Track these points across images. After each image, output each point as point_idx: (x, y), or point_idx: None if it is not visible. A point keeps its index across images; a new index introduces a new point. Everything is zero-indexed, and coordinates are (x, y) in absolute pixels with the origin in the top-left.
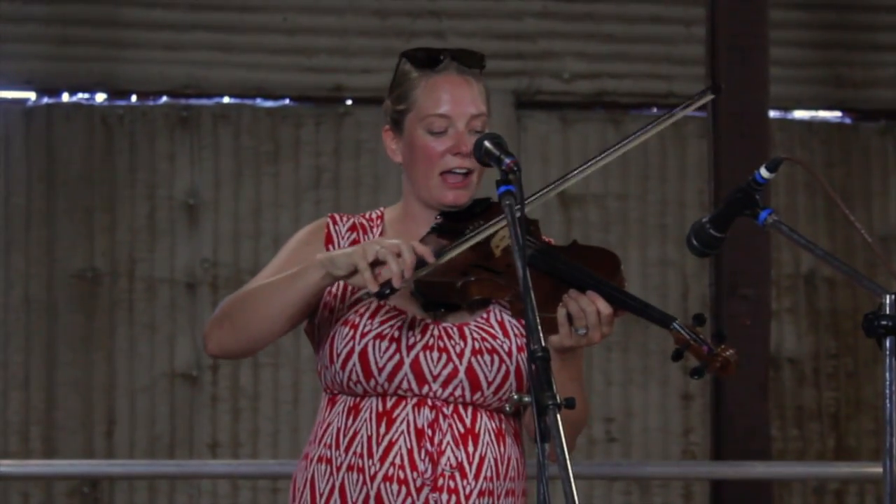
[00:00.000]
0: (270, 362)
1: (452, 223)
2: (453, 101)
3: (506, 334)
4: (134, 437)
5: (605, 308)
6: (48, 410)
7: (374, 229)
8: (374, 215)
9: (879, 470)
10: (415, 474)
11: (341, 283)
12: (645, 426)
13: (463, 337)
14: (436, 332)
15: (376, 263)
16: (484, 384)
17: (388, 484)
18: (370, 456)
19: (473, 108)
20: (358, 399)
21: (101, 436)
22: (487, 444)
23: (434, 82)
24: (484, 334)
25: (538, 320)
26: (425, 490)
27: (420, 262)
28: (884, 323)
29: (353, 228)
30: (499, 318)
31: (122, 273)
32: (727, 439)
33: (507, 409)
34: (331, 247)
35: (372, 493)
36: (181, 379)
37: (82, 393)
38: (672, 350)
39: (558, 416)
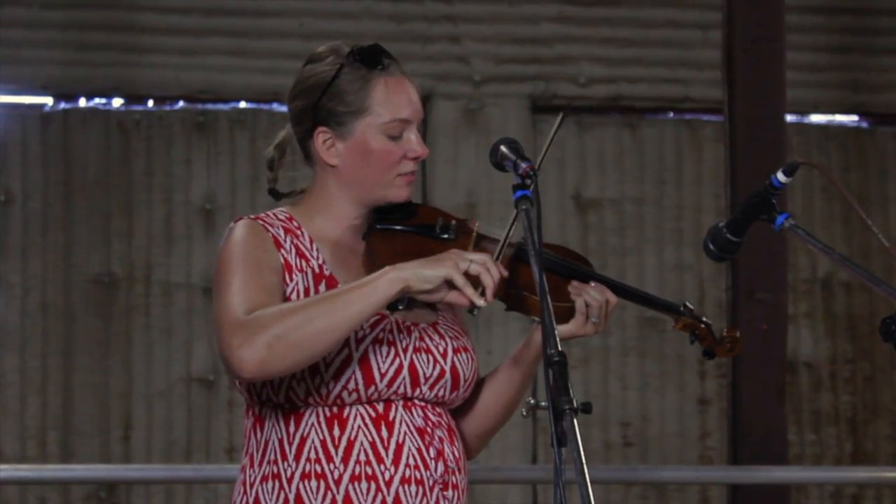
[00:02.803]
0: None
1: (390, 221)
2: (410, 103)
3: (464, 332)
4: (151, 442)
5: (612, 298)
6: (65, 415)
7: (300, 232)
8: (283, 216)
9: None
10: (428, 473)
11: (303, 288)
12: (662, 431)
13: (441, 336)
14: (417, 334)
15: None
16: (462, 382)
17: (406, 486)
18: (380, 462)
19: (421, 107)
20: (338, 408)
21: (118, 440)
22: (460, 439)
23: (388, 85)
24: (454, 332)
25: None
26: (436, 488)
27: None
28: None
29: (287, 231)
30: (452, 316)
31: (138, 278)
32: (744, 444)
33: (524, 413)
34: (283, 251)
35: (389, 499)
36: (198, 383)
37: (99, 397)
38: (687, 337)
39: (575, 421)
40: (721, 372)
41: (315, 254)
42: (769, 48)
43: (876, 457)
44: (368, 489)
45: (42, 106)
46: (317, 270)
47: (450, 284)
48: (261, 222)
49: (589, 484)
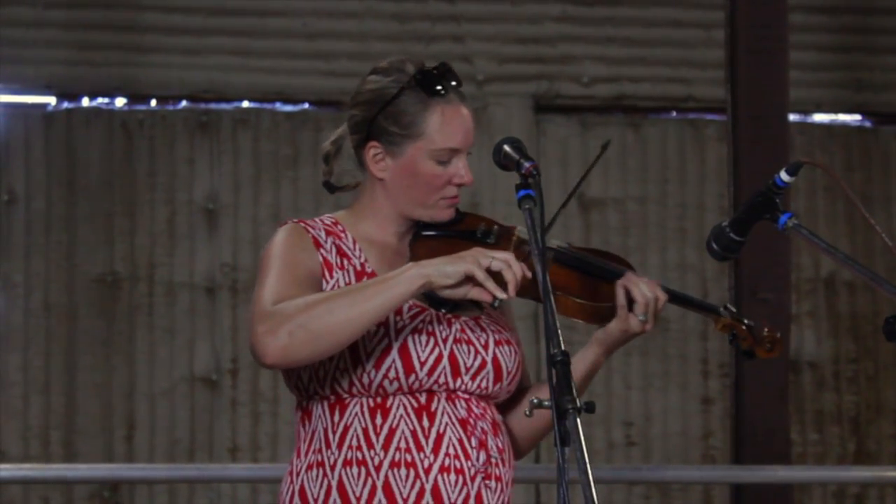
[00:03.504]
0: None
1: (436, 227)
2: (463, 133)
3: (507, 328)
4: (154, 441)
5: (661, 295)
6: (68, 414)
7: (345, 234)
8: (329, 221)
9: None
10: (469, 463)
11: (343, 284)
12: (665, 430)
13: (483, 329)
14: (458, 326)
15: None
16: (505, 374)
17: (445, 475)
18: (420, 450)
19: (473, 134)
20: (382, 399)
21: (121, 440)
22: (506, 433)
23: (444, 114)
24: (497, 326)
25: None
26: (478, 478)
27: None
28: None
29: (329, 233)
30: (499, 313)
31: (141, 277)
32: (747, 443)
33: (527, 413)
34: (322, 251)
35: (428, 487)
36: (201, 383)
37: (102, 397)
38: (723, 336)
39: (578, 421)
40: (724, 371)
41: (357, 253)
42: (772, 47)
43: (879, 456)
44: (407, 476)
45: (45, 105)
46: (358, 268)
47: (472, 280)
48: (302, 224)
49: (592, 483)
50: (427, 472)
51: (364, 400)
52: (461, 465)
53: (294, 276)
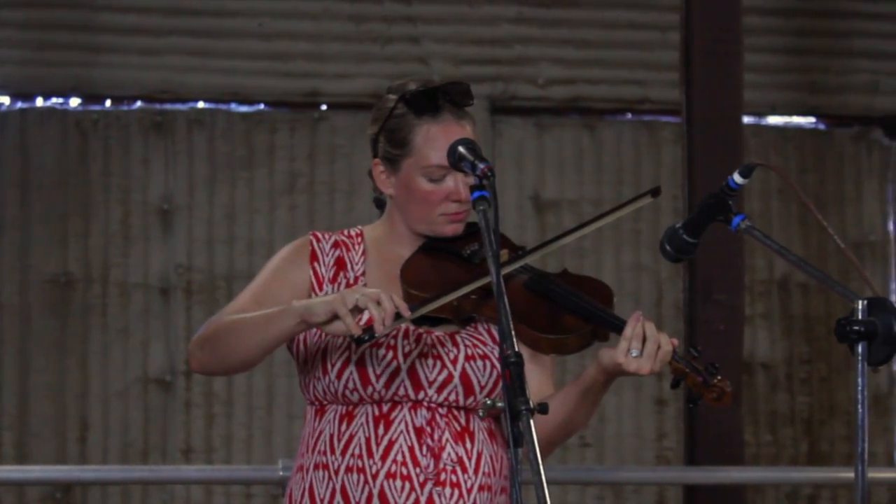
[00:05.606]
0: None
1: (439, 243)
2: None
3: (494, 341)
4: (107, 443)
5: (665, 343)
6: (21, 416)
7: (356, 247)
8: (353, 233)
9: (852, 475)
10: (417, 470)
11: None
12: (619, 431)
13: (455, 344)
14: (429, 341)
15: (355, 310)
16: (477, 388)
17: (391, 481)
18: (370, 456)
19: None
20: (351, 407)
21: (74, 441)
22: (483, 441)
23: (434, 132)
24: (475, 341)
25: (512, 330)
26: (428, 485)
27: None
28: (856, 328)
29: (336, 245)
30: (486, 327)
31: (95, 278)
32: (701, 444)
33: (480, 414)
34: (316, 264)
35: (375, 492)
36: (155, 384)
37: (55, 398)
38: (670, 379)
39: (531, 422)
40: None
41: (358, 266)
42: (727, 50)
43: (831, 457)
44: (358, 481)
45: None
46: (352, 281)
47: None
48: (311, 237)
49: (545, 484)
50: (374, 477)
51: (338, 407)
52: (408, 471)
53: (263, 292)
